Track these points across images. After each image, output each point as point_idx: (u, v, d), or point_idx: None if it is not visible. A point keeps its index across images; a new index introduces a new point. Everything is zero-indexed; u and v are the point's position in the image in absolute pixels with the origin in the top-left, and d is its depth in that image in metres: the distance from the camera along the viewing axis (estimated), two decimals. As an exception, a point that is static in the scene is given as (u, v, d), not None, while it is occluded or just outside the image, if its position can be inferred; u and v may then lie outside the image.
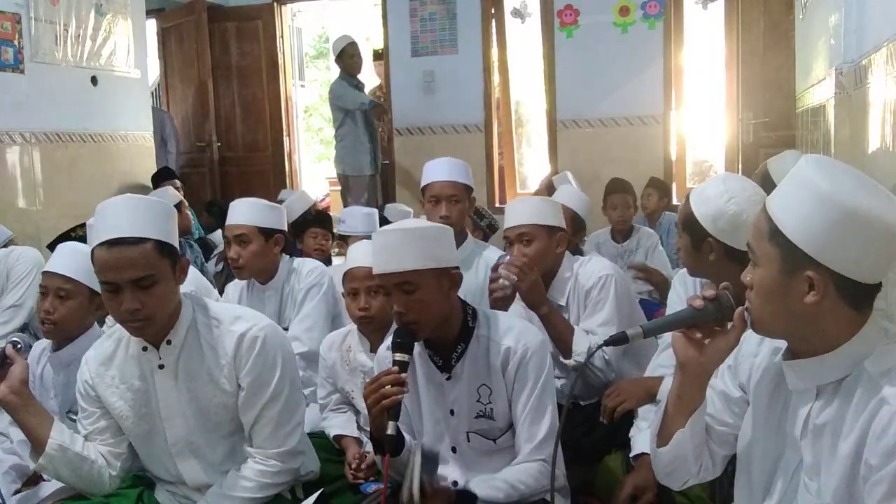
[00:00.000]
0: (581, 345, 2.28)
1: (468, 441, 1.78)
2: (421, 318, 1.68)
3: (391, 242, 1.68)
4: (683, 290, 2.22)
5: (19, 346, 1.78)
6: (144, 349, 1.70)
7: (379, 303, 2.13)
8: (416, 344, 1.74)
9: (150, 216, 1.60)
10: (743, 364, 1.32)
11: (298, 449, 1.78)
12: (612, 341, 1.24)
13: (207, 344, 1.70)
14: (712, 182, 1.89)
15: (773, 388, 1.27)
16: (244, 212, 2.66)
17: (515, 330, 1.78)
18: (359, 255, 2.22)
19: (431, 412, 1.82)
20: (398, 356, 1.65)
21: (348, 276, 2.22)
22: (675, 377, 1.28)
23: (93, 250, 1.59)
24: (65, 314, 2.11)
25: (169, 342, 1.68)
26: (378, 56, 6.66)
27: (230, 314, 1.76)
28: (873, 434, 1.06)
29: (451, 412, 1.79)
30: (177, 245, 1.66)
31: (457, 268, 1.75)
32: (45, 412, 1.77)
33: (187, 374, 1.70)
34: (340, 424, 2.27)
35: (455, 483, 1.80)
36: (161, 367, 1.69)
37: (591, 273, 2.39)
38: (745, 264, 1.19)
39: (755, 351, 1.30)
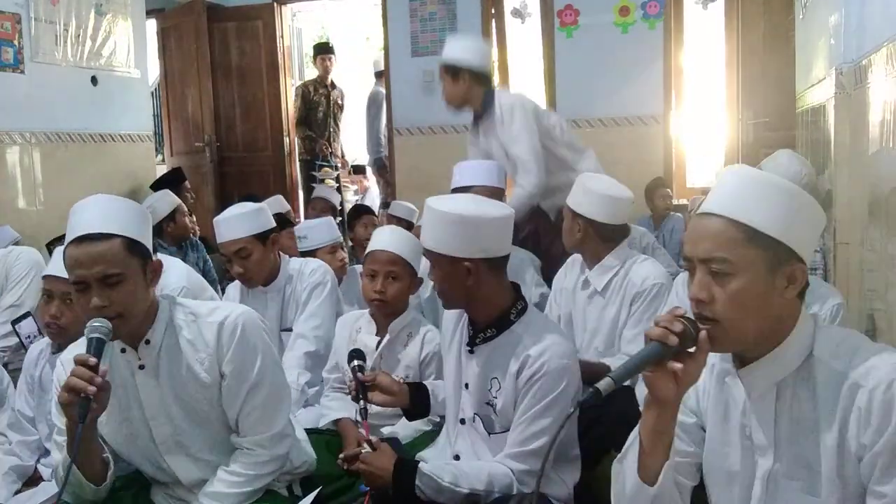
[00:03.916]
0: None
1: (473, 421, 1.82)
2: (447, 293, 1.79)
3: (431, 220, 1.76)
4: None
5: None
6: (123, 350, 1.68)
7: (395, 289, 2.23)
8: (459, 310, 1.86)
9: (120, 214, 1.61)
10: (688, 391, 1.30)
11: (285, 432, 1.78)
12: (584, 401, 1.17)
13: (186, 340, 1.69)
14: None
15: (723, 406, 1.27)
16: (234, 226, 2.61)
17: (546, 342, 1.73)
18: (383, 238, 2.31)
19: (453, 379, 1.88)
20: (354, 363, 1.93)
21: (370, 257, 2.28)
22: (649, 413, 1.22)
23: (64, 249, 1.59)
24: (72, 319, 2.08)
25: (147, 342, 1.67)
26: (322, 49, 6.67)
27: (206, 307, 1.76)
28: (858, 417, 1.09)
29: (466, 386, 1.84)
30: (149, 245, 1.65)
31: (495, 257, 1.77)
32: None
33: (168, 372, 1.68)
34: (339, 407, 2.31)
35: (457, 457, 1.85)
36: (141, 367, 1.68)
37: (645, 276, 2.41)
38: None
39: None
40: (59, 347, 2.19)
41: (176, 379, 1.69)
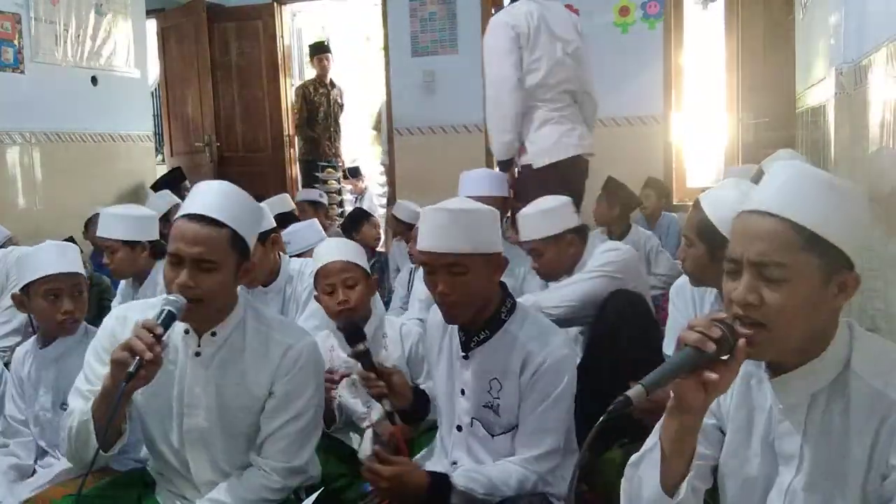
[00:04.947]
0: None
1: (471, 426, 1.80)
2: (464, 301, 1.71)
3: (445, 221, 1.69)
4: (683, 305, 2.19)
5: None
6: (186, 332, 1.69)
7: (356, 293, 2.21)
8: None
9: (237, 208, 1.64)
10: None
11: (303, 469, 1.76)
12: (616, 409, 1.08)
13: (251, 347, 1.70)
14: (725, 186, 1.85)
15: (747, 410, 1.24)
16: None
17: (545, 337, 1.75)
18: (327, 251, 2.29)
19: (445, 387, 1.84)
20: (360, 346, 1.79)
21: (322, 273, 2.25)
22: (672, 420, 1.15)
23: (175, 220, 1.62)
24: (83, 309, 2.18)
25: (214, 334, 1.68)
26: (318, 49, 6.69)
27: (281, 323, 1.78)
28: (891, 437, 1.06)
29: (462, 392, 1.81)
30: (251, 246, 1.67)
31: (501, 253, 1.77)
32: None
33: (221, 370, 1.69)
34: None
35: (455, 464, 1.82)
36: (197, 354, 1.69)
37: (601, 249, 2.56)
38: None
39: None
40: (44, 343, 2.21)
41: (225, 378, 1.69)
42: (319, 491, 1.73)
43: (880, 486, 1.08)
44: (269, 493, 1.71)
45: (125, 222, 2.89)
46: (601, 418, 1.10)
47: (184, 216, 1.61)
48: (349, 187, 7.27)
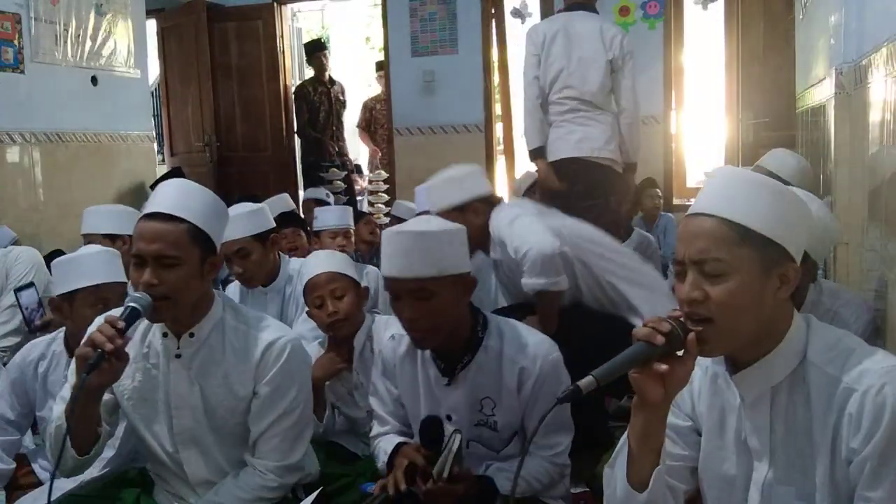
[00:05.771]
0: None
1: (467, 447, 1.74)
2: (434, 326, 1.64)
3: (408, 245, 1.62)
4: None
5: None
6: (165, 335, 1.68)
7: (345, 303, 2.15)
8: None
9: (195, 203, 1.63)
10: (682, 394, 1.27)
11: (300, 465, 1.75)
12: (565, 398, 1.12)
13: (231, 346, 1.69)
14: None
15: (718, 410, 1.26)
16: (233, 226, 2.51)
17: (529, 346, 1.71)
18: (313, 265, 2.23)
19: (425, 416, 1.77)
20: (435, 448, 1.60)
21: (310, 286, 2.19)
22: (636, 416, 1.19)
23: (137, 223, 1.62)
24: None
25: (192, 335, 1.67)
26: (315, 47, 6.70)
27: (258, 319, 1.75)
28: (849, 422, 1.09)
29: (449, 418, 1.75)
30: (216, 240, 1.66)
31: (469, 272, 1.71)
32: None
33: (203, 370, 1.68)
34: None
35: None
36: (178, 356, 1.68)
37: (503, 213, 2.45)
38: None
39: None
40: (72, 352, 2.16)
41: (208, 378, 1.68)
42: (318, 491, 1.73)
43: (847, 472, 1.10)
44: (267, 491, 1.71)
45: (105, 216, 2.93)
46: (548, 409, 1.18)
47: (142, 217, 1.61)
48: (357, 186, 7.25)
